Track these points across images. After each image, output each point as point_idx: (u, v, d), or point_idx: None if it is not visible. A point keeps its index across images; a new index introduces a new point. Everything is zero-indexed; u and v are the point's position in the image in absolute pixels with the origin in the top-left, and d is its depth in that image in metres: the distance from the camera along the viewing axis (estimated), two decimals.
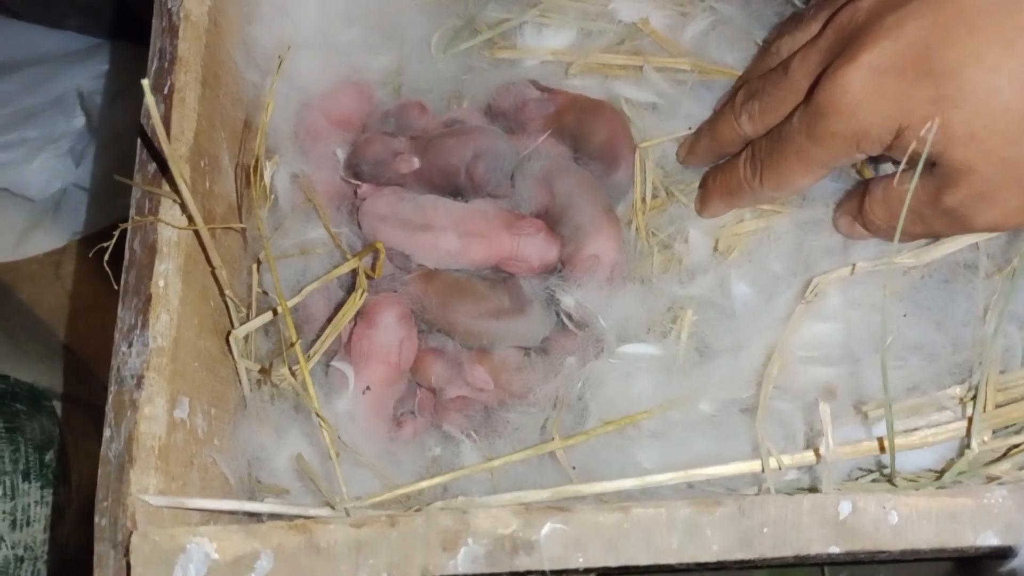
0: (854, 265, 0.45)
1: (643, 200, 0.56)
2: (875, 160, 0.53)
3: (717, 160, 0.55)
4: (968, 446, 0.40)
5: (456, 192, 0.55)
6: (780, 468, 0.41)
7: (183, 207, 0.45)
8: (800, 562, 0.39)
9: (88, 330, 0.82)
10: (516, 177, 0.55)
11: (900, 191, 0.46)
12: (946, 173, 0.43)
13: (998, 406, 0.43)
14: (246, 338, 0.49)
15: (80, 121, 0.85)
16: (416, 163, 0.54)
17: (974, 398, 0.43)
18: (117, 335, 0.43)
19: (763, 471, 0.41)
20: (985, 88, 0.40)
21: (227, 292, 0.47)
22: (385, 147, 0.55)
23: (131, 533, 0.38)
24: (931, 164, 0.43)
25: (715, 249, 0.54)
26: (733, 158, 0.53)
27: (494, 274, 0.54)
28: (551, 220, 0.54)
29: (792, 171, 0.48)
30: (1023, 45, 0.40)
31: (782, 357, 0.44)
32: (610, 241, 0.53)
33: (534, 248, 0.52)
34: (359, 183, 0.55)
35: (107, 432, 0.41)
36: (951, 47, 0.41)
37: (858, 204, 0.49)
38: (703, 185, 0.56)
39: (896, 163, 0.45)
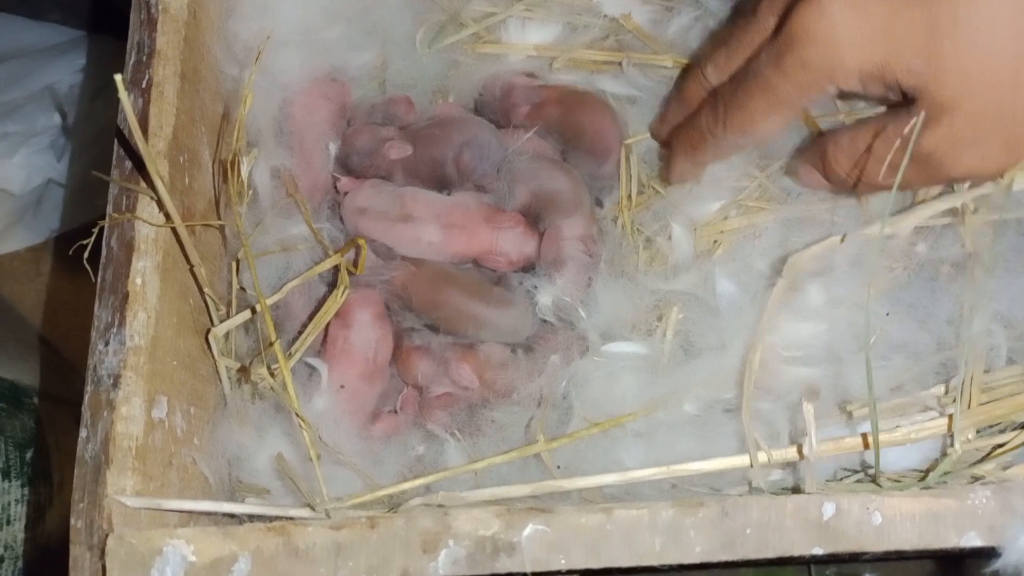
0: (828, 262, 0.44)
1: (628, 197, 0.56)
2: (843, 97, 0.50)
3: None
4: (952, 445, 0.40)
5: (443, 183, 0.55)
6: (769, 461, 0.40)
7: (160, 204, 0.44)
8: (785, 561, 0.39)
9: (69, 327, 0.81)
10: (501, 171, 0.55)
11: (868, 138, 0.41)
12: (926, 111, 0.39)
13: (982, 405, 0.43)
14: (226, 336, 0.48)
15: (61, 116, 0.84)
16: (408, 149, 0.54)
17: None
18: (94, 333, 0.42)
19: (752, 465, 0.40)
20: (981, 21, 0.37)
21: (206, 290, 0.47)
22: (374, 135, 0.55)
23: (107, 535, 0.37)
24: (909, 101, 0.40)
25: (696, 247, 0.53)
26: (695, 111, 0.49)
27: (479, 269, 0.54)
28: (532, 215, 0.54)
29: (756, 109, 0.44)
30: None
31: (763, 346, 0.43)
32: (582, 230, 0.52)
33: (512, 242, 0.52)
34: (339, 177, 0.55)
35: (83, 432, 0.40)
36: None
37: (820, 152, 0.45)
38: (666, 148, 0.53)
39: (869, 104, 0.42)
